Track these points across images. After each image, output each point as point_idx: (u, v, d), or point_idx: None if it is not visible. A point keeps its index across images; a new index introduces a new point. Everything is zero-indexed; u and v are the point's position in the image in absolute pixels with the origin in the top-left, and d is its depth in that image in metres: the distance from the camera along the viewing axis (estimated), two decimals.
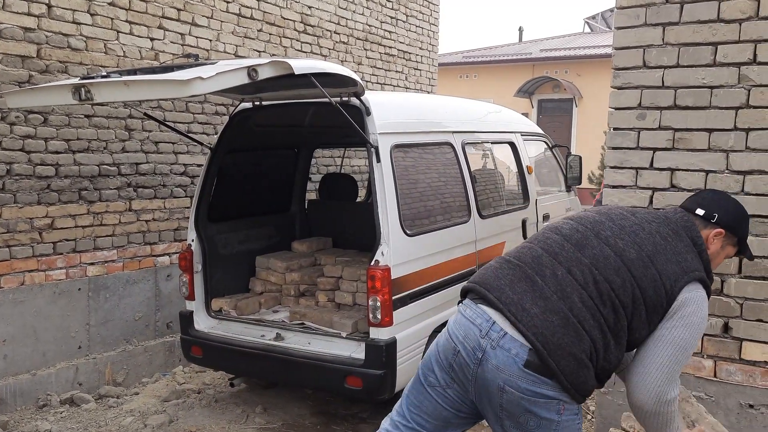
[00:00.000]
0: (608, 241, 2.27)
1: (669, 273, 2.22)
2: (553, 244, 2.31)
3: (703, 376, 3.33)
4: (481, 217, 4.92)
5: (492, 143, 5.66)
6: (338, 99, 4.08)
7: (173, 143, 5.83)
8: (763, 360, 3.18)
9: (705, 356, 3.32)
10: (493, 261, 2.43)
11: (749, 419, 3.24)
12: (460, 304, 2.37)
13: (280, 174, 5.78)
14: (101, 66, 5.15)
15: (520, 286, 2.23)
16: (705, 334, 3.31)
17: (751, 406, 3.23)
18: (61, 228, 5.05)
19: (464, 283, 2.42)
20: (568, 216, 2.49)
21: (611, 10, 26.58)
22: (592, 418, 4.56)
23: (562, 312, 2.15)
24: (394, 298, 3.96)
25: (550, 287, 2.20)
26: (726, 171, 3.20)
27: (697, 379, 3.35)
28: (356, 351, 4.09)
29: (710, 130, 3.21)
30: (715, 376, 3.30)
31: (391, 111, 4.50)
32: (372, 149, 4.03)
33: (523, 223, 5.56)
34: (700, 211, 2.43)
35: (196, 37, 5.92)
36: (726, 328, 3.26)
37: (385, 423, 2.51)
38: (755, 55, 3.08)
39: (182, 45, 5.80)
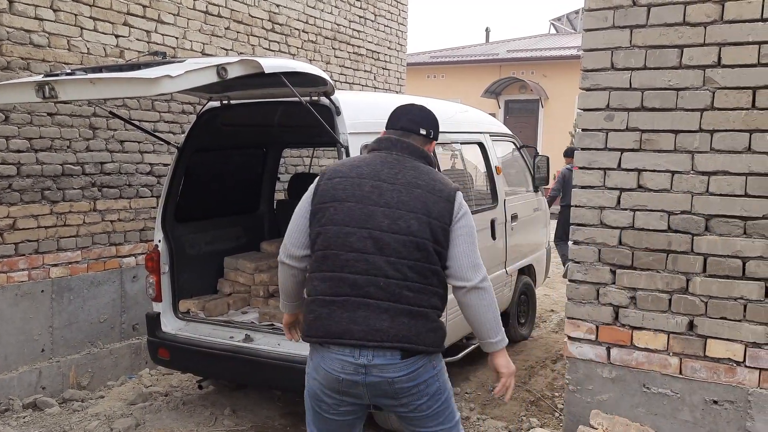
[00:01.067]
0: (394, 229, 2.52)
1: (443, 213, 2.57)
2: (359, 263, 2.52)
3: (668, 373, 3.39)
4: None
5: (461, 143, 5.67)
6: (308, 98, 4.06)
7: (139, 142, 5.74)
8: (726, 357, 3.25)
9: (671, 354, 3.38)
10: (317, 306, 2.57)
11: (713, 415, 3.31)
12: (317, 354, 2.58)
13: (249, 174, 5.73)
14: (64, 63, 5.05)
15: (359, 314, 2.50)
16: (671, 332, 3.37)
17: (715, 402, 3.30)
18: (23, 228, 4.93)
19: (309, 338, 2.61)
20: (337, 219, 2.58)
21: (576, 12, 26.95)
22: (561, 416, 4.61)
23: (405, 310, 2.50)
24: None
25: (382, 299, 2.50)
26: (691, 172, 3.26)
27: (663, 376, 3.41)
28: None
29: (676, 132, 3.27)
30: (680, 373, 3.36)
31: (362, 111, 4.49)
32: (342, 149, 4.01)
33: (492, 222, 5.59)
34: (423, 131, 2.75)
35: (162, 35, 5.83)
36: (691, 326, 3.32)
37: None
38: (720, 58, 3.14)
39: (148, 42, 5.71)
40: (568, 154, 9.48)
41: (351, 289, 2.52)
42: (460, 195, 2.64)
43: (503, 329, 2.67)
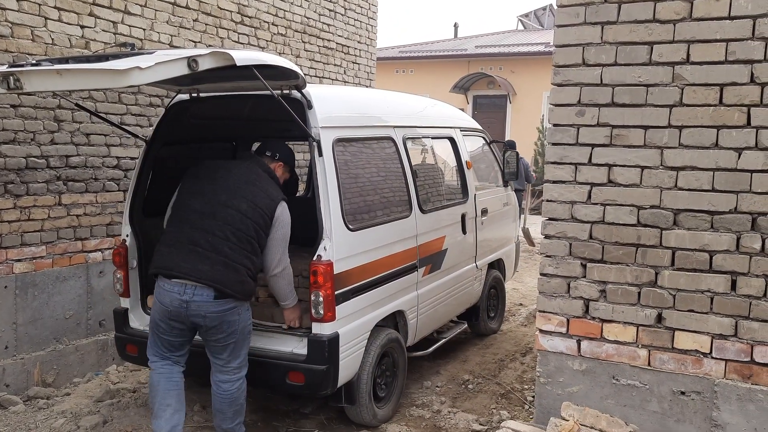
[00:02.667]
0: (228, 203, 3.70)
1: (265, 206, 3.75)
2: (197, 221, 3.69)
3: (638, 365, 3.45)
4: (422, 211, 4.94)
5: (432, 138, 5.69)
6: (279, 92, 4.02)
7: (105, 135, 5.64)
8: (694, 348, 3.31)
9: (640, 346, 3.43)
10: (161, 247, 3.77)
11: (681, 406, 3.37)
12: (157, 281, 3.73)
13: None
14: (28, 54, 4.93)
15: (190, 257, 3.62)
16: (640, 325, 3.42)
17: (682, 393, 3.36)
18: None
19: (151, 269, 3.79)
20: (191, 190, 3.87)
21: (544, 9, 27.17)
22: (530, 408, 4.66)
23: (222, 261, 3.62)
24: (336, 293, 3.94)
25: (208, 250, 3.62)
26: (660, 167, 3.31)
27: (632, 368, 3.46)
28: (298, 346, 4.06)
29: (646, 127, 3.32)
30: (649, 364, 3.42)
31: (333, 105, 4.46)
32: (314, 143, 3.99)
33: (463, 217, 5.62)
34: (268, 153, 4.08)
35: (129, 26, 5.73)
36: (660, 318, 3.38)
37: (156, 365, 3.85)
38: (689, 54, 3.19)
39: (114, 34, 5.60)
40: (512, 146, 10.24)
41: (187, 239, 3.65)
42: (283, 203, 3.86)
43: (293, 295, 4.02)
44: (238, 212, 3.67)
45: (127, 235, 4.54)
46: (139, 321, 4.55)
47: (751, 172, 3.14)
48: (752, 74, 3.10)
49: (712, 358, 3.29)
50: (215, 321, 3.64)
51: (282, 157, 4.08)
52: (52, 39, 5.13)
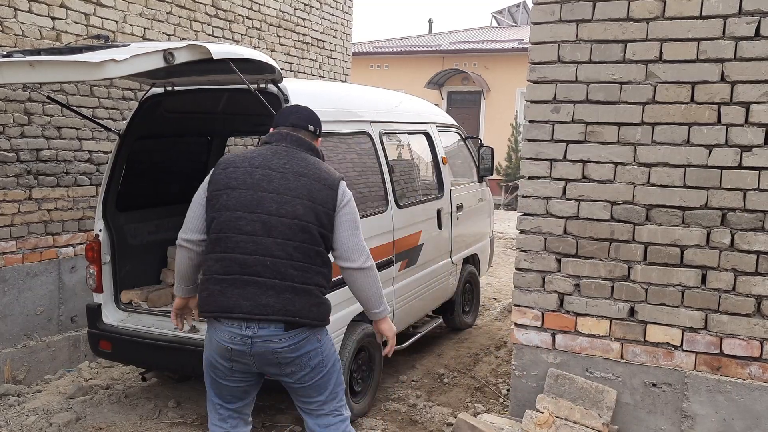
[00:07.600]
0: (281, 213, 2.77)
1: (327, 200, 2.82)
2: (248, 244, 2.77)
3: (611, 358, 3.50)
4: (399, 207, 4.96)
5: (408, 134, 5.70)
6: (255, 86, 4.00)
7: (77, 129, 5.55)
8: (665, 341, 3.38)
9: (613, 339, 3.49)
10: (210, 285, 2.82)
11: (652, 397, 3.44)
12: (211, 326, 2.86)
13: (193, 162, 5.61)
14: None
15: (249, 290, 2.75)
16: (613, 318, 3.47)
17: (654, 385, 3.43)
18: None
19: (203, 313, 2.88)
20: (229, 204, 2.82)
21: (517, 6, 27.34)
22: (504, 401, 4.71)
23: (289, 287, 2.75)
24: None
25: (269, 276, 2.75)
26: (633, 163, 3.36)
27: (605, 360, 3.52)
28: None
29: (619, 124, 3.37)
30: (622, 357, 3.48)
31: (309, 99, 4.43)
32: None
33: (438, 212, 5.65)
34: (310, 127, 3.00)
35: (102, 18, 5.64)
36: (632, 312, 3.44)
37: (213, 420, 3.03)
38: (661, 53, 3.25)
39: (86, 26, 5.51)
40: None
41: (241, 268, 2.76)
42: (343, 183, 2.90)
43: (385, 301, 2.98)
44: (295, 220, 2.77)
45: (100, 230, 4.49)
46: (112, 317, 4.50)
47: (721, 168, 3.21)
48: (722, 73, 3.17)
49: (683, 350, 3.36)
50: (291, 358, 2.81)
51: (320, 131, 3.07)
52: (22, 30, 5.04)
